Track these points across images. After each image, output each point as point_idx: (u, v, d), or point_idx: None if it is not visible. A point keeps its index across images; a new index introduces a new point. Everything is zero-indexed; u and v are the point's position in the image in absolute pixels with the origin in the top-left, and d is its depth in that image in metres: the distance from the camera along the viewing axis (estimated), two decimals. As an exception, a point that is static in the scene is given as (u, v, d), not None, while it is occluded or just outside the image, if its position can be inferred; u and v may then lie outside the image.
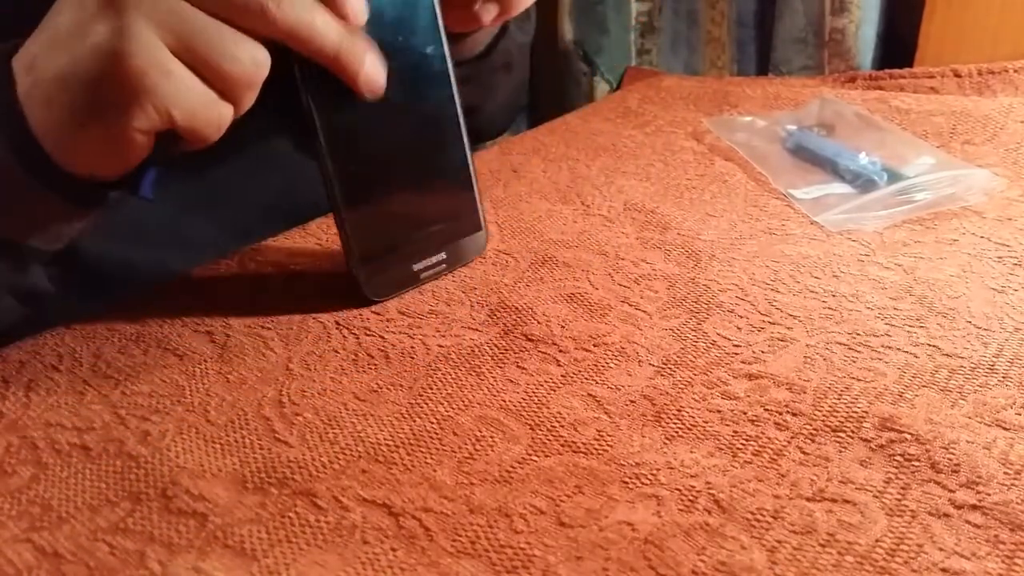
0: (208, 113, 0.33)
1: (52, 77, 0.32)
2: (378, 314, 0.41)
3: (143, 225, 0.46)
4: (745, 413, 0.33)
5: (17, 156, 0.33)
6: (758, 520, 0.28)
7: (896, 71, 0.70)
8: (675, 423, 0.33)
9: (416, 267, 0.42)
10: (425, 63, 0.39)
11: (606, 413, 0.34)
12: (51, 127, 0.32)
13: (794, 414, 0.33)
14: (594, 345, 0.38)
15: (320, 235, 0.49)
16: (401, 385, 0.36)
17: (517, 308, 0.41)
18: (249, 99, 0.34)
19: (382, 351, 0.38)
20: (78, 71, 0.31)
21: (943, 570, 0.26)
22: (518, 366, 0.37)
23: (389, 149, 0.39)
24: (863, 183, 0.51)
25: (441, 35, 0.39)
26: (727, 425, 0.33)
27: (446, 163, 0.42)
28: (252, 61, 0.33)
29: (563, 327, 0.39)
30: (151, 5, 0.31)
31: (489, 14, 0.42)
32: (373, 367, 0.37)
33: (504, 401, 0.35)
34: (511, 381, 0.36)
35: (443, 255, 0.43)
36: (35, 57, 0.32)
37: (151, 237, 0.48)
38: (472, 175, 0.42)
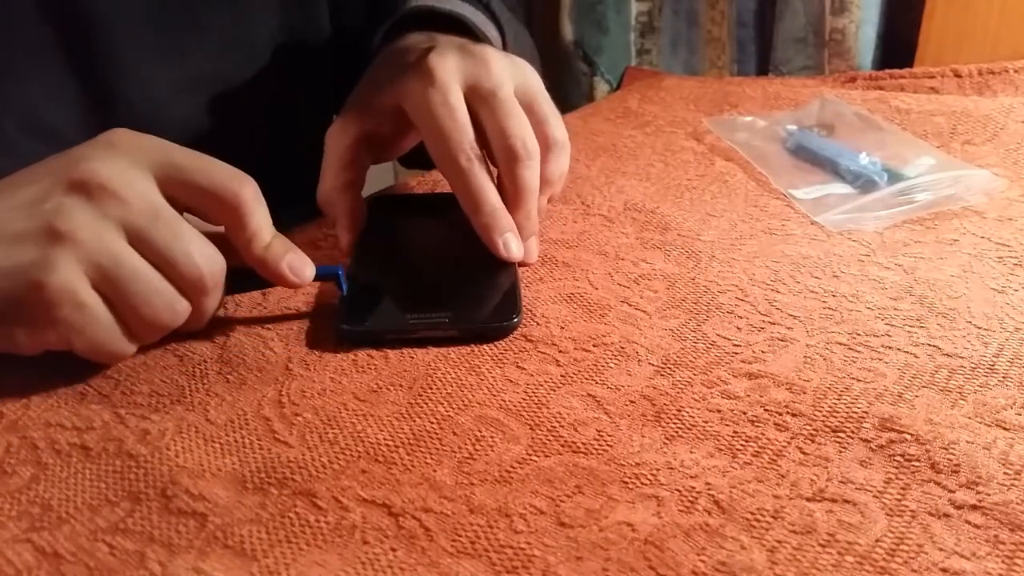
0: (110, 344, 0.34)
1: None
2: (378, 314, 0.41)
3: None
4: (745, 413, 0.33)
5: None
6: (758, 520, 0.28)
7: (896, 71, 0.70)
8: (675, 423, 0.33)
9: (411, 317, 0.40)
10: None
11: (606, 413, 0.34)
12: None
13: (794, 414, 0.33)
14: (594, 345, 0.38)
15: (319, 236, 0.49)
16: (401, 385, 0.36)
17: (517, 308, 0.41)
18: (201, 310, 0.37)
19: (382, 351, 0.38)
20: None
21: (943, 570, 0.26)
22: (518, 366, 0.37)
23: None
24: (863, 183, 0.51)
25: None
26: (727, 425, 0.33)
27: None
28: (172, 314, 0.35)
29: (563, 327, 0.39)
30: (87, 245, 0.32)
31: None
32: (373, 367, 0.37)
33: (504, 401, 0.35)
34: (511, 381, 0.36)
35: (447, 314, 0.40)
36: None
37: None
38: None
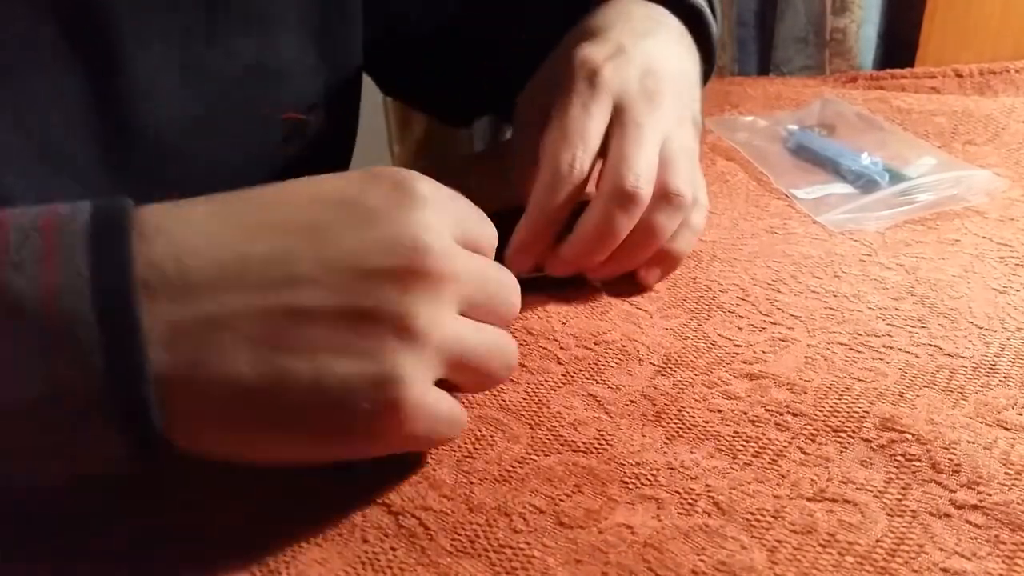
0: (449, 434, 0.30)
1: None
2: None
3: None
4: (746, 413, 0.33)
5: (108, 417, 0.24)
6: (758, 520, 0.28)
7: (897, 71, 0.70)
8: (675, 423, 0.33)
9: None
10: None
11: (606, 413, 0.34)
12: (214, 425, 0.26)
13: (795, 414, 0.33)
14: (595, 343, 0.38)
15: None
16: (401, 384, 0.36)
17: (517, 307, 0.41)
18: None
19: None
20: (322, 388, 0.26)
21: (944, 570, 0.26)
22: (518, 364, 0.37)
23: None
24: (865, 183, 0.51)
25: None
26: (728, 425, 0.33)
27: None
28: (508, 370, 0.31)
29: (564, 323, 0.39)
30: (437, 342, 0.27)
31: (653, 277, 0.42)
32: (373, 366, 0.37)
33: (504, 400, 0.35)
34: (511, 380, 0.36)
35: None
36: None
37: None
38: None
